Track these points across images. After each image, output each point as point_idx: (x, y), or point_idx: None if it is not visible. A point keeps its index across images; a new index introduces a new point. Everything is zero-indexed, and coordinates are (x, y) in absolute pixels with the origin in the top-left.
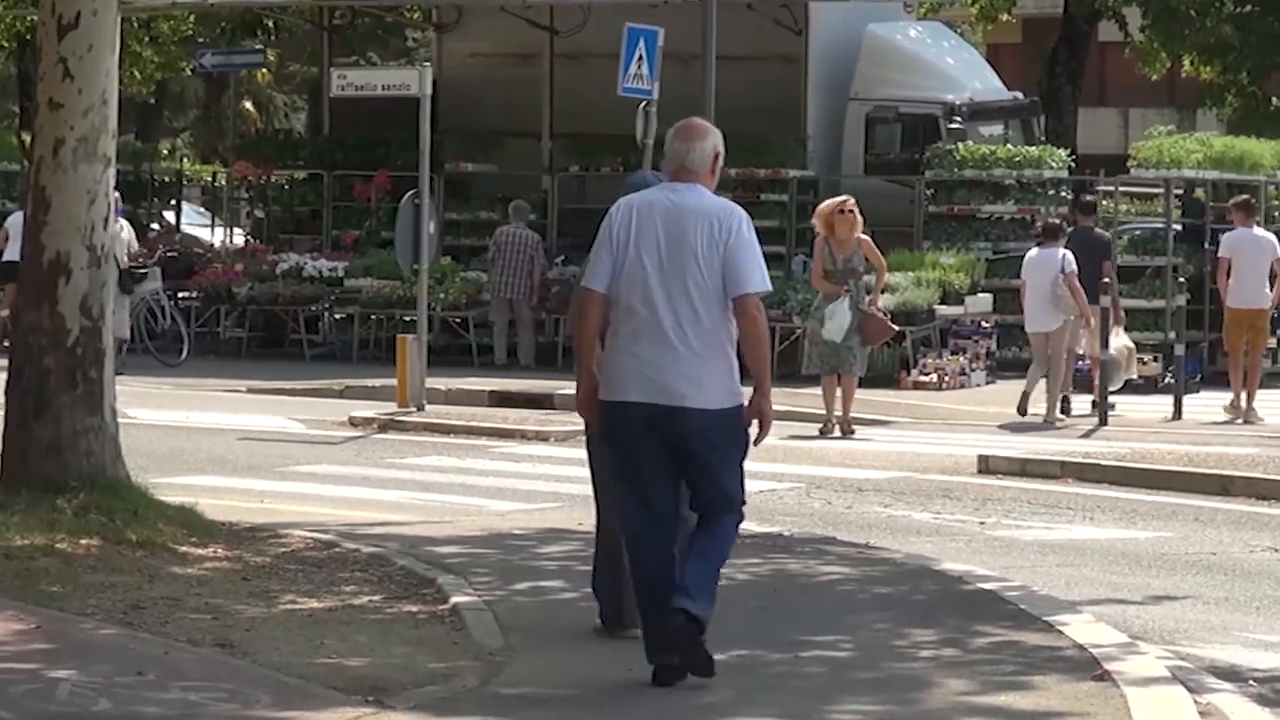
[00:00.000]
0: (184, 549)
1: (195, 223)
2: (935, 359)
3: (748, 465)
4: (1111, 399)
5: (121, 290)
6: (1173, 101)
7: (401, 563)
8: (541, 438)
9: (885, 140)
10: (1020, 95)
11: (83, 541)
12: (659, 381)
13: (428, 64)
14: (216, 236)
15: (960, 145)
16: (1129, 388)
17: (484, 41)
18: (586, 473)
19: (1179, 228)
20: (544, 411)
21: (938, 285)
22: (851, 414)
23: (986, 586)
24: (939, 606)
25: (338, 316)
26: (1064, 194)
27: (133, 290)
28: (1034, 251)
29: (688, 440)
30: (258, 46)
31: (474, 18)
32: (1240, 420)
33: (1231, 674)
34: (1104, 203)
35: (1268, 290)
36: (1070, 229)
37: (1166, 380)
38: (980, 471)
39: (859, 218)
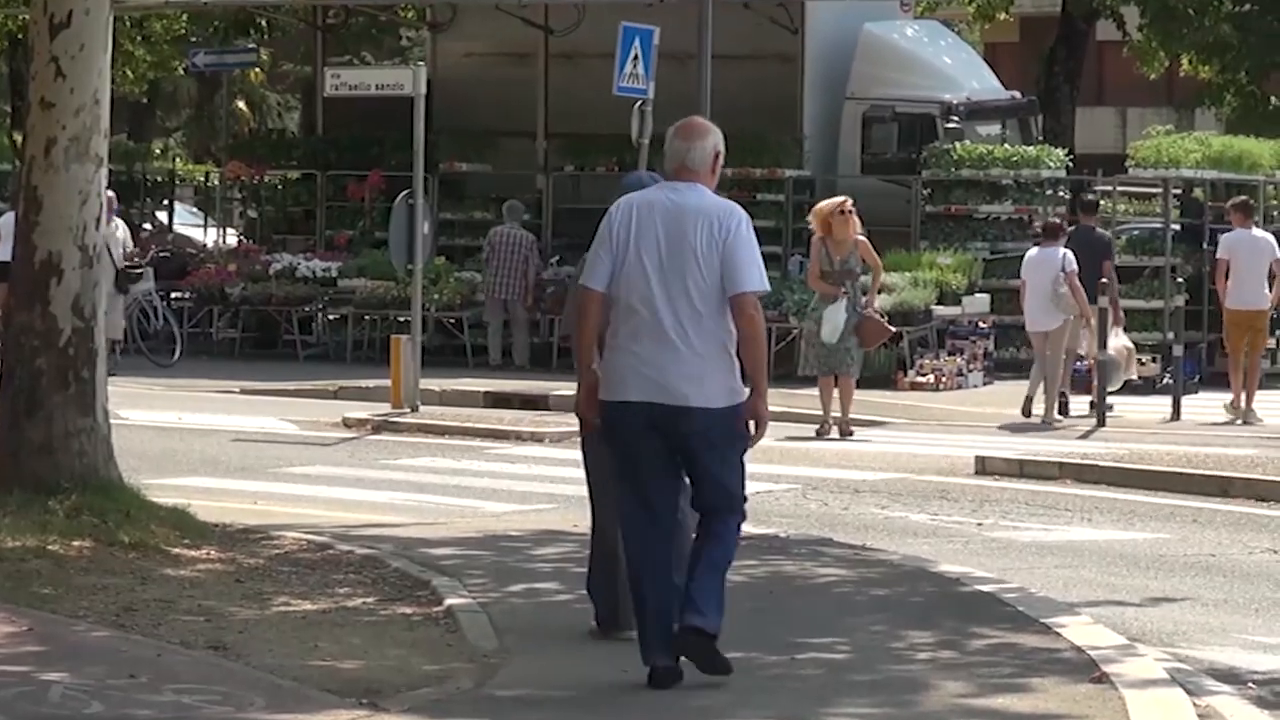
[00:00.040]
0: (177, 551)
1: (188, 223)
2: (932, 360)
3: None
4: (1110, 400)
5: (118, 290)
6: (1171, 101)
7: (396, 564)
8: (536, 439)
9: (882, 140)
10: (1018, 94)
11: (75, 543)
12: (660, 381)
13: (422, 63)
14: (209, 237)
15: (957, 145)
16: (1127, 388)
17: (478, 41)
18: (582, 474)
19: (1177, 228)
20: (539, 412)
21: (935, 285)
22: (850, 415)
23: (984, 588)
24: (936, 608)
25: (331, 317)
26: (1062, 194)
27: (129, 290)
28: (1034, 251)
29: (689, 440)
30: (251, 45)
31: (468, 17)
32: (1239, 421)
33: (1230, 676)
34: (1102, 203)
35: (1267, 291)
36: (1071, 228)
37: (1165, 381)
38: (978, 473)
39: (856, 218)
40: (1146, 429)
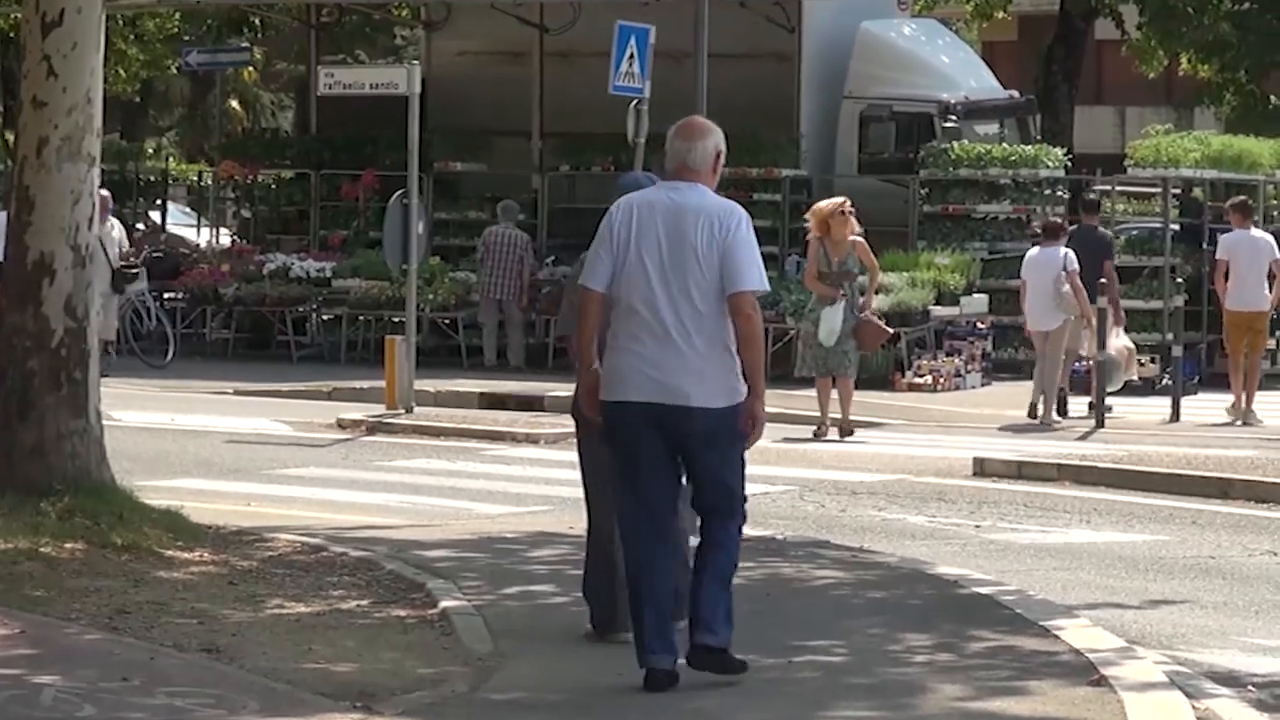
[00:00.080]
0: (170, 553)
1: (181, 223)
2: (930, 360)
3: None
4: (1109, 401)
5: (114, 290)
6: (1170, 100)
7: (390, 567)
8: (532, 440)
9: (879, 139)
10: (1016, 94)
11: (67, 545)
12: (664, 381)
13: (416, 62)
14: (202, 236)
15: (955, 144)
16: (1127, 389)
17: (473, 39)
18: (577, 475)
19: (1177, 228)
20: (534, 414)
21: (932, 286)
22: (850, 415)
23: (982, 590)
24: (934, 611)
25: (325, 317)
26: (1060, 193)
27: (125, 290)
28: (1035, 251)
29: (691, 440)
30: (244, 44)
31: (463, 15)
32: (1239, 422)
33: (1230, 679)
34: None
35: (1267, 292)
36: (1073, 227)
37: (1164, 382)
38: (976, 474)
39: (854, 219)
40: (1146, 430)
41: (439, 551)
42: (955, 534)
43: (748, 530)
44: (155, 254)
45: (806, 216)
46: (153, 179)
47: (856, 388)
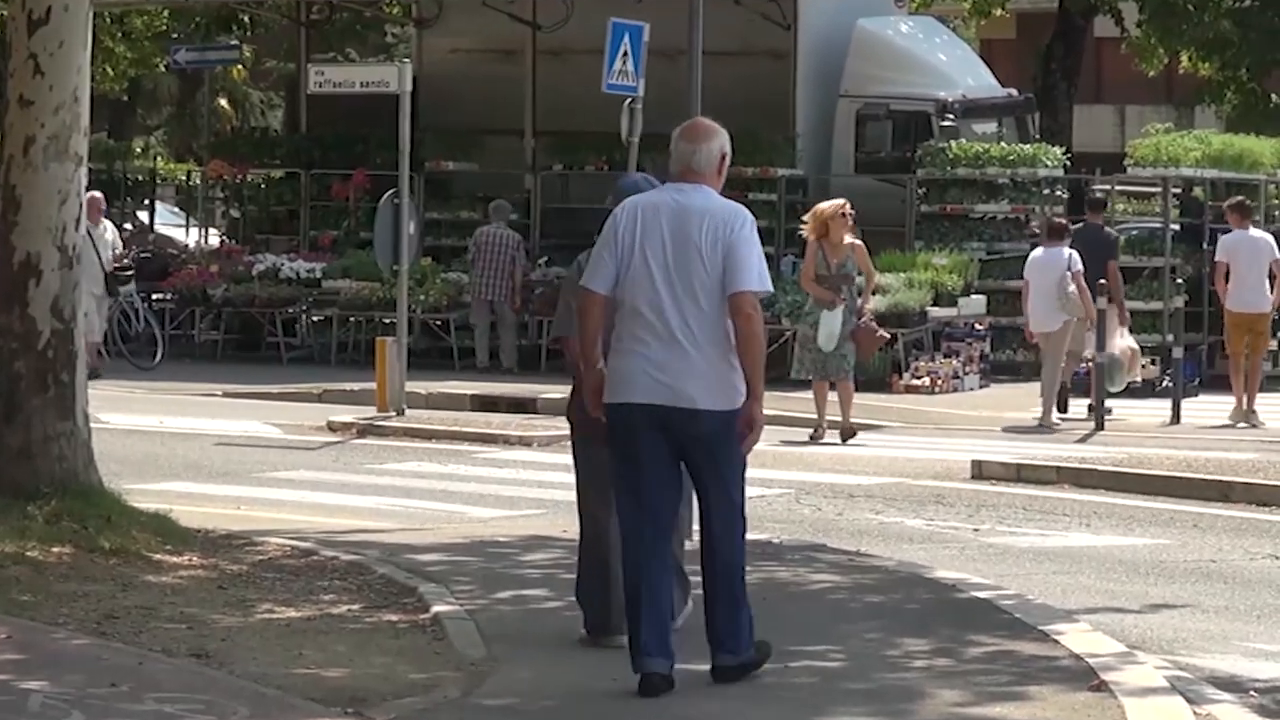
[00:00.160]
0: (158, 557)
1: (169, 223)
2: (928, 362)
3: None
4: (1109, 403)
5: (108, 293)
6: (1170, 98)
7: (381, 571)
8: (525, 443)
9: (876, 138)
10: (1014, 92)
11: (54, 549)
12: (669, 383)
13: (407, 60)
14: (191, 237)
15: (953, 143)
16: (1127, 391)
17: (465, 37)
18: (571, 478)
19: (1177, 227)
20: (527, 416)
21: (930, 286)
22: (851, 418)
23: (980, 595)
24: (932, 615)
25: (315, 319)
26: (1059, 193)
27: (118, 293)
28: (1039, 251)
29: (695, 442)
30: (233, 42)
31: (455, 12)
32: (1242, 423)
33: (1232, 684)
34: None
35: (1268, 293)
36: (1077, 225)
37: (1164, 384)
38: (974, 477)
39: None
40: (1146, 433)
41: (431, 555)
42: (953, 537)
43: None
44: (143, 254)
45: (805, 219)
46: (140, 178)
47: (854, 389)
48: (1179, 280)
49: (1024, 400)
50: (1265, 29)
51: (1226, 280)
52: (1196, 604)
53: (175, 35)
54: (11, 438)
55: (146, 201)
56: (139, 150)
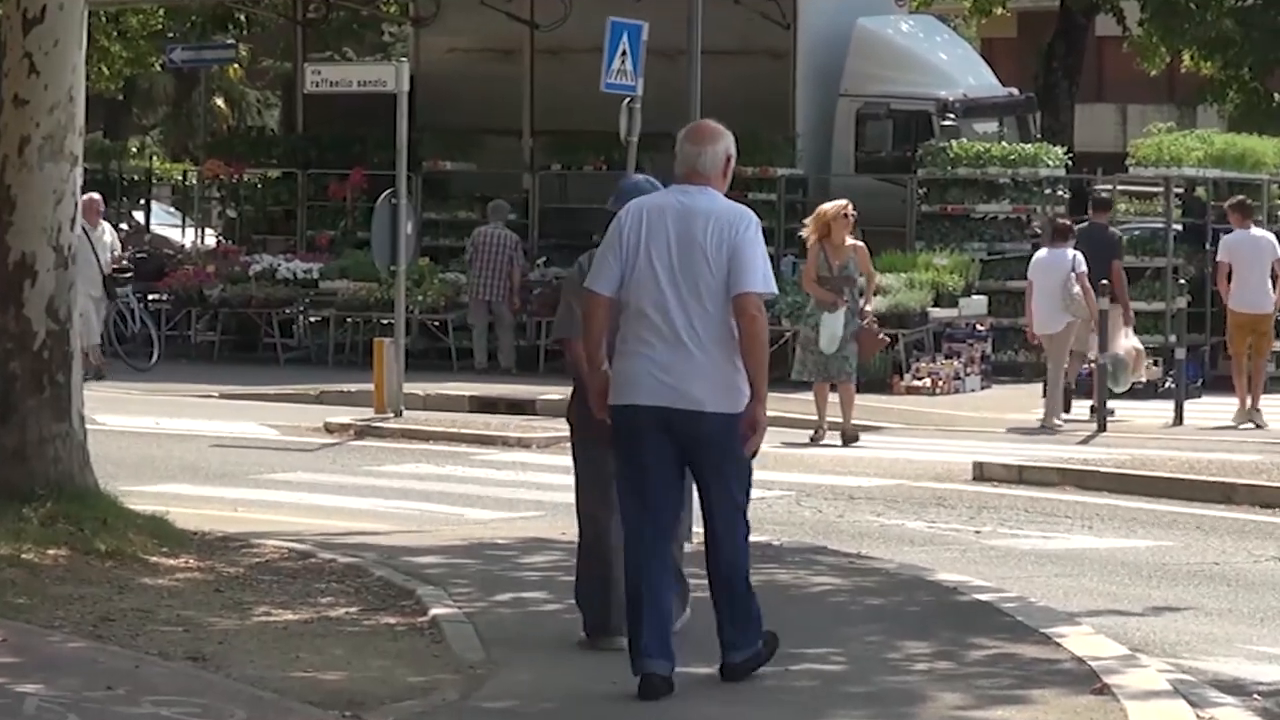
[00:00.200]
0: (155, 559)
1: (165, 223)
2: (929, 363)
3: None
4: (1111, 404)
5: (106, 296)
6: (1172, 97)
7: (379, 573)
8: (523, 444)
9: (876, 138)
10: (1015, 91)
11: (50, 551)
12: (674, 385)
13: (405, 59)
14: (187, 237)
15: (954, 143)
16: (1130, 392)
17: (463, 36)
18: (570, 480)
19: (1179, 228)
20: (526, 417)
21: (931, 287)
22: (852, 420)
23: (982, 597)
24: (933, 618)
25: (313, 319)
26: (1060, 193)
27: (116, 296)
28: (1043, 253)
29: (700, 444)
30: (229, 41)
31: (452, 11)
32: (1247, 422)
33: (1235, 687)
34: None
35: (1270, 293)
36: (1081, 224)
37: (1167, 385)
38: (975, 479)
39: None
40: (1148, 434)
41: (429, 558)
42: (955, 539)
43: None
44: (139, 255)
45: (806, 223)
46: (136, 178)
47: (855, 392)
48: (1181, 281)
49: (1025, 401)
50: (1268, 28)
51: (1229, 280)
52: (1200, 606)
53: (171, 34)
54: (6, 439)
55: (142, 201)
56: (135, 150)
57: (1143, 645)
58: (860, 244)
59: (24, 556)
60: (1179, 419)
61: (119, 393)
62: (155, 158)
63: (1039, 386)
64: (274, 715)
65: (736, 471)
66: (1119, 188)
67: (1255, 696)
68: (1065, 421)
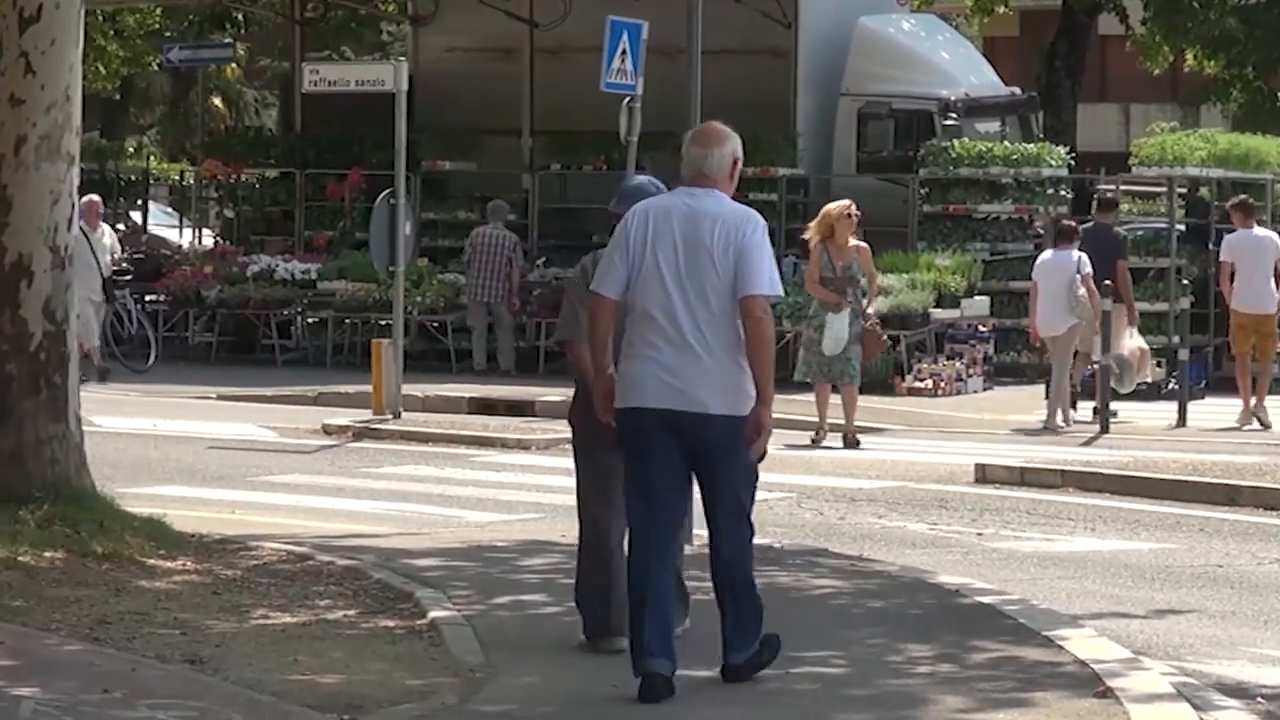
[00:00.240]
0: (152, 562)
1: (162, 223)
2: (930, 364)
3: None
4: (1114, 405)
5: (105, 299)
6: (1175, 97)
7: (378, 576)
8: (523, 446)
9: (878, 137)
10: (1018, 91)
11: (47, 554)
12: (681, 388)
13: (403, 58)
14: (184, 237)
15: (956, 143)
16: (1133, 394)
17: (462, 35)
18: (570, 482)
19: (1183, 228)
20: (525, 419)
21: (933, 288)
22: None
23: (984, 600)
24: (935, 621)
25: (311, 320)
26: (1063, 193)
27: (115, 299)
28: (1047, 254)
29: (707, 447)
30: (226, 40)
31: (451, 11)
32: (1253, 420)
33: (1238, 691)
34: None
35: (1274, 293)
36: (1086, 224)
37: (1170, 386)
38: (977, 481)
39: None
40: (1151, 435)
41: (428, 560)
42: (957, 542)
43: None
44: (136, 255)
45: (810, 226)
46: (133, 178)
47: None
48: (1185, 281)
49: (1028, 403)
50: (1271, 26)
51: (1232, 280)
52: (1203, 609)
53: (168, 33)
54: (3, 441)
55: (140, 202)
56: (132, 150)
57: (1146, 648)
58: (864, 245)
59: (20, 559)
60: (1182, 420)
61: (116, 394)
62: (152, 158)
63: (1041, 388)
64: (272, 718)
65: (742, 475)
66: (1122, 188)
67: (1259, 699)
68: (1061, 422)
